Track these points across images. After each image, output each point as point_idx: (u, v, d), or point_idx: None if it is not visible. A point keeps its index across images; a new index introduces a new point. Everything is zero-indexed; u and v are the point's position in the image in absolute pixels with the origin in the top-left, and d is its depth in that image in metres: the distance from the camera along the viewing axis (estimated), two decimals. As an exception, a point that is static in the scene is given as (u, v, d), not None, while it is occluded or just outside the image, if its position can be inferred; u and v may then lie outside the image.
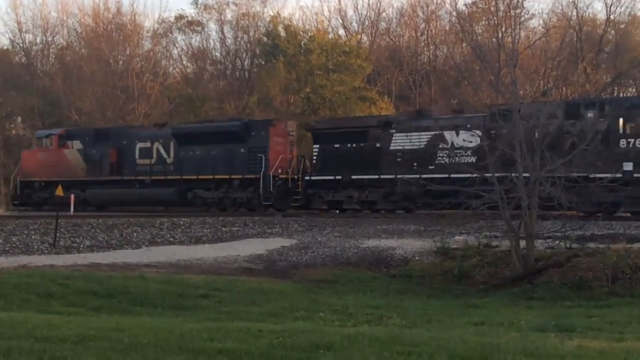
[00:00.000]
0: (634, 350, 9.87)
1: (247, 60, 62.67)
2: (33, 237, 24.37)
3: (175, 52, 66.61)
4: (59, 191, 30.54)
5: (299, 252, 23.65)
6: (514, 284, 19.33)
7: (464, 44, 55.34)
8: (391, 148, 33.74)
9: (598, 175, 24.66)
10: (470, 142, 31.21)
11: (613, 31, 54.95)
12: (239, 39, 62.20)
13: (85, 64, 62.27)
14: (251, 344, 9.66)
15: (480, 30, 54.81)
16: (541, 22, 57.26)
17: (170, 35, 64.93)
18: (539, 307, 16.70)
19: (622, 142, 28.12)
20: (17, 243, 23.19)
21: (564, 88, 51.58)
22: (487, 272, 20.40)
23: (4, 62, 67.23)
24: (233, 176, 37.41)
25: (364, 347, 9.57)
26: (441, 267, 21.19)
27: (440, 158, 32.38)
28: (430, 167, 32.33)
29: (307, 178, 35.92)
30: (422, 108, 39.18)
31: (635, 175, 27.25)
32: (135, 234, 26.39)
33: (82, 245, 23.79)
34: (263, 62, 59.04)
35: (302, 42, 56.26)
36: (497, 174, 20.99)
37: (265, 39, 58.06)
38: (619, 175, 25.51)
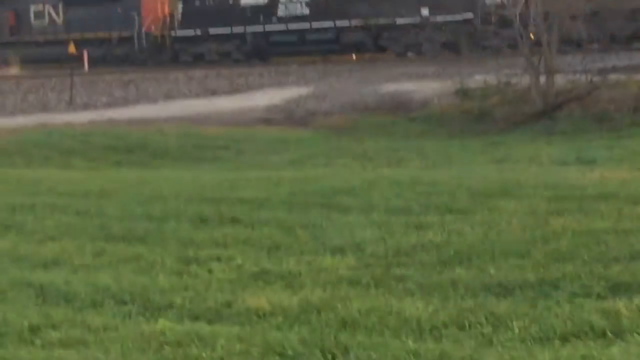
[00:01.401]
0: (655, 179, 9.83)
1: None
2: (50, 95, 24.39)
3: None
4: (72, 48, 30.33)
5: (317, 100, 23.50)
6: (535, 120, 19.19)
7: None
8: (242, 3, 36.85)
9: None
10: None
11: None
12: None
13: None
14: (272, 192, 9.66)
15: None
16: None
17: None
18: (559, 142, 16.60)
19: None
20: (35, 102, 23.23)
21: None
22: (507, 110, 20.22)
23: None
24: (112, 34, 39.59)
25: (385, 189, 9.54)
26: (461, 107, 21.03)
27: (280, 10, 36.08)
28: (273, 19, 36.13)
29: (173, 34, 38.56)
30: None
31: (431, 19, 31.14)
32: (151, 89, 26.32)
33: (98, 102, 23.78)
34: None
35: None
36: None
37: None
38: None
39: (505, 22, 21.67)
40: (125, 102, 24.16)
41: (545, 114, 19.22)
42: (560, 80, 20.45)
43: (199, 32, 37.38)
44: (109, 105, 23.49)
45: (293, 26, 35.17)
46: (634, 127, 17.41)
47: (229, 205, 8.94)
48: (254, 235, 7.41)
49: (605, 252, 6.03)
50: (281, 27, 35.64)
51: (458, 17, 30.25)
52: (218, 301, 5.40)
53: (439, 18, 30.58)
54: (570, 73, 20.77)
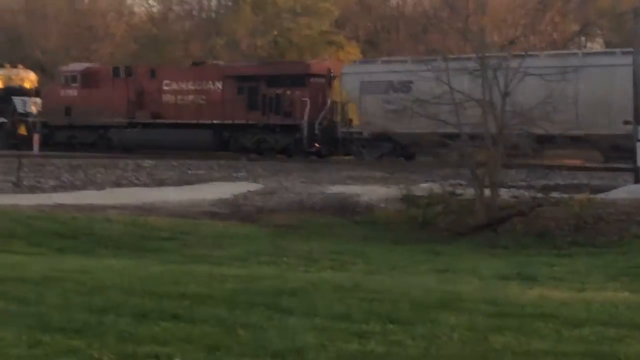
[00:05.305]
0: (594, 300, 9.98)
1: (214, 0, 61.92)
2: (-4, 176, 24.18)
3: (141, -11, 65.65)
4: (22, 130, 30.26)
5: (265, 197, 23.59)
6: (478, 232, 19.45)
7: (433, -10, 55.04)
8: None
9: None
10: None
11: (582, -20, 54.85)
12: (205, -22, 61.44)
13: (49, 1, 61.25)
14: (215, 289, 9.66)
15: (449, -23, 54.39)
16: (511, -31, 56.88)
17: (136, -28, 64.01)
18: (501, 256, 16.83)
19: None
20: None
21: (531, 37, 51.50)
22: (452, 220, 20.47)
23: (-35, -3, 65.91)
24: None
25: (328, 293, 9.59)
26: (406, 214, 21.22)
27: None
28: None
29: None
30: None
31: None
32: (99, 175, 26.23)
33: (46, 186, 23.60)
34: (230, 4, 58.36)
35: (270, -17, 55.66)
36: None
37: (232, -21, 57.35)
38: None
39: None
40: (72, 186, 24.03)
41: (489, 227, 19.51)
42: (504, 194, 20.84)
43: None
44: (56, 189, 23.33)
45: None
46: (574, 246, 17.74)
47: (171, 299, 8.91)
48: (195, 333, 7.39)
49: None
50: None
51: None
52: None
53: None
54: (513, 188, 21.18)
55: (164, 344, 7.00)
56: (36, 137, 38.24)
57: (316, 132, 35.75)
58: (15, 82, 45.50)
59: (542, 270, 14.18)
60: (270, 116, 36.90)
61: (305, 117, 35.57)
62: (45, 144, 40.45)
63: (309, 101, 35.79)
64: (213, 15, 61.60)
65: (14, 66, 47.60)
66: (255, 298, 9.16)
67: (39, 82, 47.12)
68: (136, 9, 65.81)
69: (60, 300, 8.63)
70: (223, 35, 56.18)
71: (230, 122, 37.71)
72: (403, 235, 19.85)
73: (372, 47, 56.05)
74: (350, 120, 35.70)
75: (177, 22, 62.88)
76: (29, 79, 46.52)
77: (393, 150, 34.58)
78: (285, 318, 8.15)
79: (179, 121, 38.78)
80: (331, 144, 36.17)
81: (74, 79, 42.00)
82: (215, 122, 38.03)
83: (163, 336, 7.24)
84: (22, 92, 44.69)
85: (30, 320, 7.73)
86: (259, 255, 15.94)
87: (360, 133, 34.78)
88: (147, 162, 30.02)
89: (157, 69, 41.66)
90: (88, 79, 41.90)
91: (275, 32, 53.74)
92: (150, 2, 66.58)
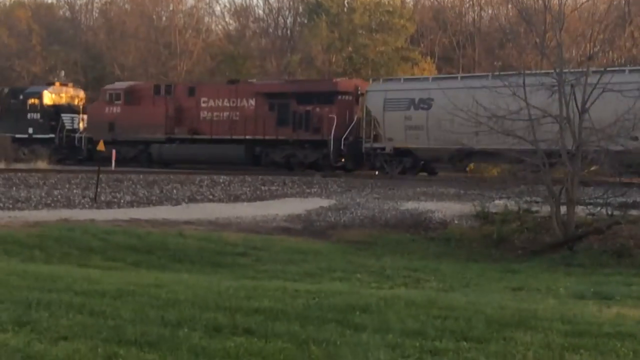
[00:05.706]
0: (673, 320, 9.74)
1: (289, 18, 62.43)
2: (74, 191, 24.60)
3: (218, 8, 66.71)
4: (101, 146, 30.81)
5: (338, 213, 23.59)
6: (554, 250, 19.16)
7: (509, 6, 54.63)
8: None
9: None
10: None
11: (662, -6, 53.86)
12: (282, -4, 61.95)
13: (128, 19, 62.43)
14: (288, 304, 9.65)
15: (526, -8, 53.87)
16: (589, -16, 56.19)
17: (213, -9, 64.92)
18: (578, 274, 16.53)
19: (29, 115, 46.19)
20: (59, 197, 23.42)
21: (610, 52, 50.74)
22: (527, 237, 20.23)
23: (49, 15, 67.64)
24: None
25: (401, 309, 9.52)
26: (480, 231, 21.03)
27: None
28: None
29: None
30: None
31: (34, 136, 45.93)
32: (175, 191, 26.54)
33: (122, 201, 23.95)
34: (306, 21, 58.71)
35: (346, 0, 55.85)
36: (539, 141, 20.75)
37: (308, -4, 57.67)
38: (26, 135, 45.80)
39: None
40: (148, 202, 24.33)
41: (565, 245, 19.19)
42: (580, 211, 20.48)
43: None
44: (132, 204, 23.64)
45: None
46: (654, 265, 17.34)
47: (244, 314, 8.93)
48: (268, 348, 7.38)
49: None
50: None
51: None
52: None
53: None
54: (591, 205, 20.80)
55: (237, 359, 7.01)
56: (113, 152, 38.93)
57: (342, 147, 37.09)
58: (64, 100, 47.41)
59: (619, 289, 13.88)
60: (300, 132, 38.51)
61: (332, 133, 36.92)
62: (89, 159, 41.93)
63: (336, 118, 37.26)
64: (288, 32, 62.06)
65: (64, 84, 49.80)
66: (327, 314, 9.13)
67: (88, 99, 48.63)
68: (213, 27, 66.74)
69: (135, 314, 8.71)
70: (298, 52, 56.51)
71: (261, 137, 39.27)
72: (477, 252, 19.67)
73: (447, 63, 55.79)
74: (376, 136, 36.58)
75: (253, 39, 63.52)
76: (78, 96, 48.42)
77: (414, 165, 36.10)
78: (358, 334, 8.10)
79: (214, 137, 40.18)
80: (356, 158, 37.54)
81: (117, 96, 43.54)
82: (247, 137, 39.49)
83: (236, 351, 7.25)
84: (71, 109, 46.58)
85: (106, 333, 7.82)
86: (332, 272, 15.93)
87: (383, 148, 36.15)
88: (222, 178, 30.28)
89: (195, 87, 43.06)
90: (131, 97, 43.40)
91: (351, 49, 53.84)
92: (227, 20, 67.43)
